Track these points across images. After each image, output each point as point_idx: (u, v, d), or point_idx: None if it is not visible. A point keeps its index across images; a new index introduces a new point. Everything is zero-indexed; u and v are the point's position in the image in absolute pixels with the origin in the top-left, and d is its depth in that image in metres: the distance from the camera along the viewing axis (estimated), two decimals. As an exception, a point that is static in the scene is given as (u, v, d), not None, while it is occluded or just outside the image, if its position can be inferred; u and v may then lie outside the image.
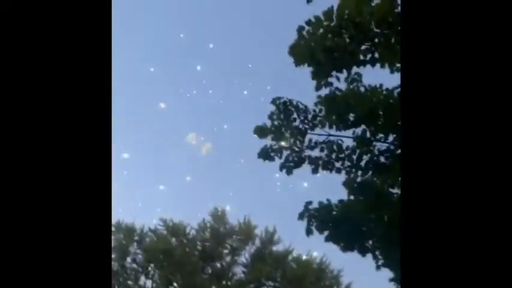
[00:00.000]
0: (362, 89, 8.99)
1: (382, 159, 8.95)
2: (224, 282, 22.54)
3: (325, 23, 7.01)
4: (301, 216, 8.37)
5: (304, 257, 22.40)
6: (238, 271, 22.91)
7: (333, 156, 9.01)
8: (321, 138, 9.50)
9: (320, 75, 7.84)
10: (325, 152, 9.24)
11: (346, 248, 9.15)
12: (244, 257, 22.91)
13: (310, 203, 8.45)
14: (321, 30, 7.02)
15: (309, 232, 8.29)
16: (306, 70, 9.30)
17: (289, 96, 9.62)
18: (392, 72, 8.55)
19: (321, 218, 8.35)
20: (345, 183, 8.61)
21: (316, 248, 21.99)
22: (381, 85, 8.55)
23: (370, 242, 9.19)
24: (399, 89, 8.30)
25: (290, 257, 22.64)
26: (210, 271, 22.93)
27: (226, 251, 22.99)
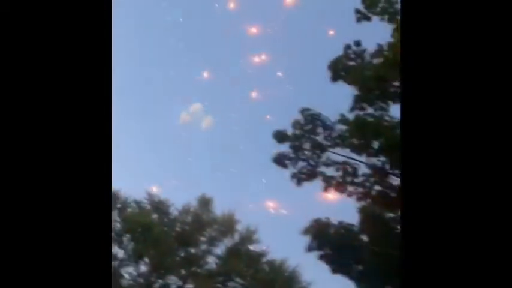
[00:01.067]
0: (387, 118, 9.01)
1: (392, 193, 8.97)
2: (194, 269, 22.49)
3: (386, 53, 6.99)
4: (306, 232, 8.37)
5: (278, 262, 22.44)
6: (211, 261, 22.86)
7: (347, 179, 9.03)
8: (339, 158, 9.52)
9: (364, 100, 7.81)
10: (340, 173, 9.26)
11: (336, 270, 9.19)
12: (220, 249, 22.86)
13: (319, 220, 8.45)
14: (381, 60, 6.99)
15: (310, 249, 8.30)
16: (333, 86, 9.27)
17: (310, 105, 9.58)
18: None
19: (324, 238, 8.37)
20: (359, 210, 8.61)
21: (292, 256, 22.06)
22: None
23: (359, 268, 9.22)
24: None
25: (264, 259, 22.65)
26: (182, 255, 22.83)
27: (203, 239, 22.91)
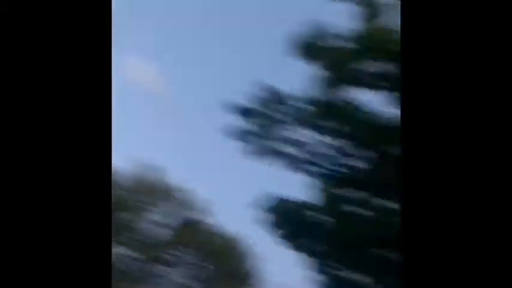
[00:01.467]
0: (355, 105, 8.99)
1: (357, 175, 9.02)
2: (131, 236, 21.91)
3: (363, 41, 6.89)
4: (267, 210, 8.32)
5: (231, 236, 22.64)
6: (165, 232, 22.64)
7: (309, 158, 9.01)
8: (300, 137, 9.44)
9: (334, 85, 7.74)
10: (301, 151, 9.22)
11: (295, 249, 9.22)
12: (173, 220, 22.70)
13: (282, 199, 8.39)
14: (358, 46, 6.90)
15: (274, 226, 8.28)
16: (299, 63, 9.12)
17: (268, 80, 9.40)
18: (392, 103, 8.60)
19: (284, 216, 8.37)
20: (322, 190, 8.63)
21: (247, 231, 22.29)
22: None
23: (320, 247, 9.31)
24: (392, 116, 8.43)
25: (217, 233, 22.77)
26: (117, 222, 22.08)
27: (154, 209, 22.60)
